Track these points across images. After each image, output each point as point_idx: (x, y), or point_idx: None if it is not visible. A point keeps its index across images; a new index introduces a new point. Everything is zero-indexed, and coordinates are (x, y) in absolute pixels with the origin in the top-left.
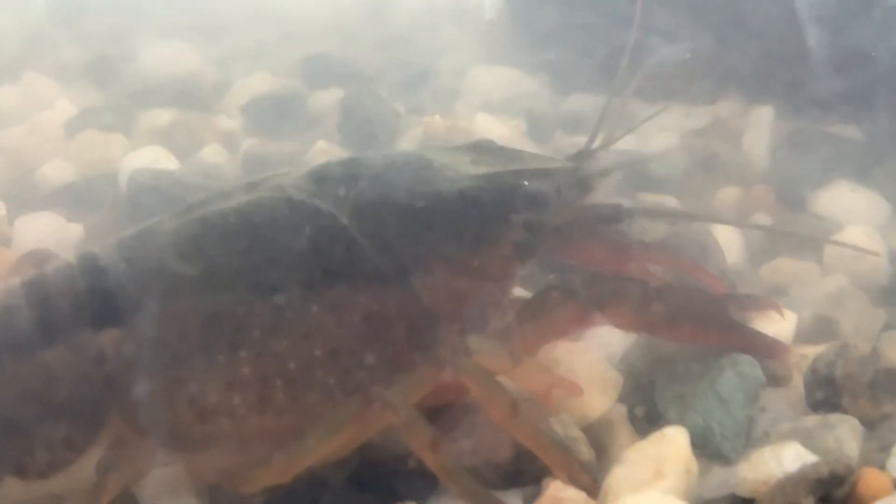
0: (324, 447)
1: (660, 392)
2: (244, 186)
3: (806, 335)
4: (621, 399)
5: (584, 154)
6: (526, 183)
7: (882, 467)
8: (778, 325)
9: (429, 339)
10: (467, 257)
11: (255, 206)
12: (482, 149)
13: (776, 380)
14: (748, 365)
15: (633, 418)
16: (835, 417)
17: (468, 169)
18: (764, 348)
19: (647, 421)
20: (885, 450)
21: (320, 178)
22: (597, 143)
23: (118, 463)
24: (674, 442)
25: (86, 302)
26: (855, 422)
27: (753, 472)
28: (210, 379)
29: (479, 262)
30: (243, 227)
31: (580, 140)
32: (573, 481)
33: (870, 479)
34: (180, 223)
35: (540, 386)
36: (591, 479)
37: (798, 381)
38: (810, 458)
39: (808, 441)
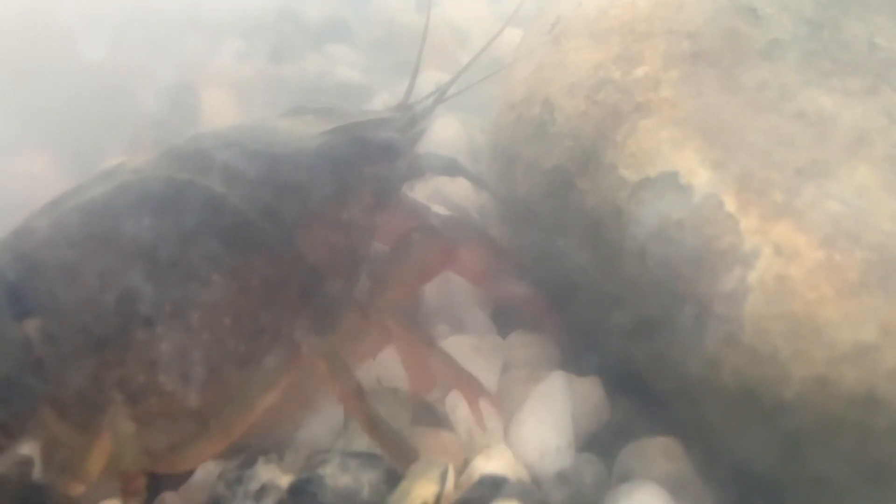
0: (260, 402)
1: None
2: (99, 177)
3: None
4: None
5: (405, 106)
6: (381, 134)
7: None
8: None
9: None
10: (339, 209)
11: (137, 186)
12: (309, 110)
13: None
14: None
15: None
16: None
17: (315, 128)
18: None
19: None
20: None
21: (178, 156)
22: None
23: (63, 464)
24: None
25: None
26: None
27: None
28: (132, 359)
29: (348, 214)
30: (129, 208)
31: None
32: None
33: None
34: (58, 215)
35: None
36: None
37: None
38: None
39: None
